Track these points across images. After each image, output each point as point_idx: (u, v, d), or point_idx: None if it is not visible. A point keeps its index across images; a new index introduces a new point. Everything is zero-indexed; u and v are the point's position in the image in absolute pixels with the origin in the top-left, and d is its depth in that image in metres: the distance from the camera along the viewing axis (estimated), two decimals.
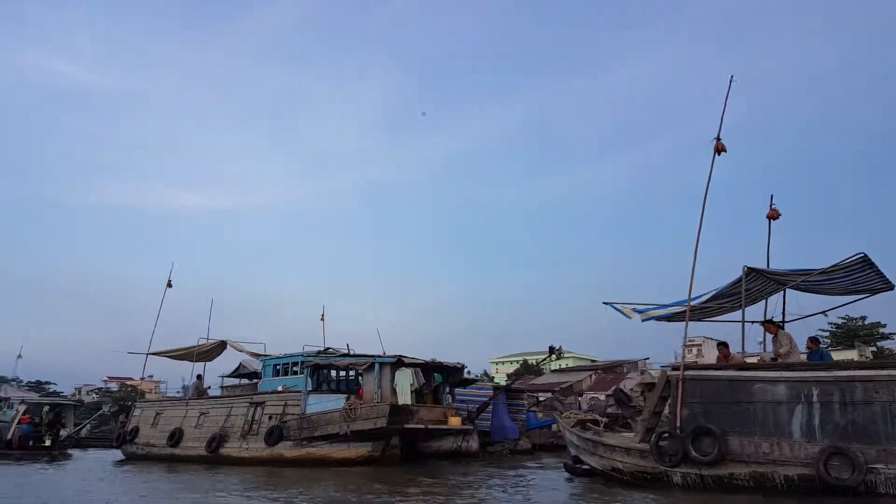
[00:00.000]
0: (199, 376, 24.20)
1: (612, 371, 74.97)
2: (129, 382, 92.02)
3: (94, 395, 78.21)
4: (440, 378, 18.54)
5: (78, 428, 29.99)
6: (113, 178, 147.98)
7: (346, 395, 17.31)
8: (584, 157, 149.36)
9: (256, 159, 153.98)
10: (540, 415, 24.10)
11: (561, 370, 66.57)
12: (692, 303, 11.34)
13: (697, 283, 11.14)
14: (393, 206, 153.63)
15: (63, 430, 28.24)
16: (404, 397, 15.92)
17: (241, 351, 21.92)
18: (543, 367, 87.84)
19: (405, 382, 15.99)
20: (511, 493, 11.48)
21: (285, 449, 17.27)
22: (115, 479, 15.51)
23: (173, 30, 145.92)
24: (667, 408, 10.76)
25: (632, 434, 11.66)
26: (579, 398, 47.44)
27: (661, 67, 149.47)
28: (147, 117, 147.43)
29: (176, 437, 20.13)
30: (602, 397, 58.32)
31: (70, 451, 27.86)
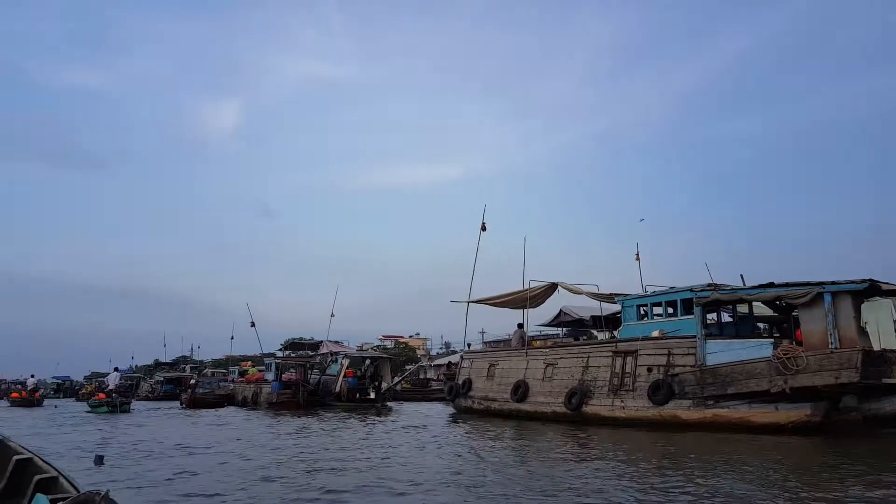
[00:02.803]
0: (520, 325, 21.90)
1: None
2: (401, 340, 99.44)
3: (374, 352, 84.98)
4: None
5: (396, 381, 30.38)
6: (374, 162, 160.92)
7: (770, 340, 12.96)
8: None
9: (495, 125, 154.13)
10: None
11: None
12: None
13: None
14: (634, 151, 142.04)
15: (382, 383, 28.70)
16: (884, 339, 11.00)
17: (577, 293, 18.80)
18: None
19: (883, 319, 11.04)
20: None
21: (681, 409, 13.57)
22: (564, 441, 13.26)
23: (406, 13, 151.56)
24: None
25: None
26: None
27: None
28: (398, 101, 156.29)
29: (521, 392, 17.82)
30: None
31: (389, 404, 28.16)
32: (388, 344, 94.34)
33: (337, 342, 37.56)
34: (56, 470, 3.37)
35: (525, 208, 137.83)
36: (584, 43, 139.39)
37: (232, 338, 43.50)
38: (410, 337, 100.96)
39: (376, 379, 28.59)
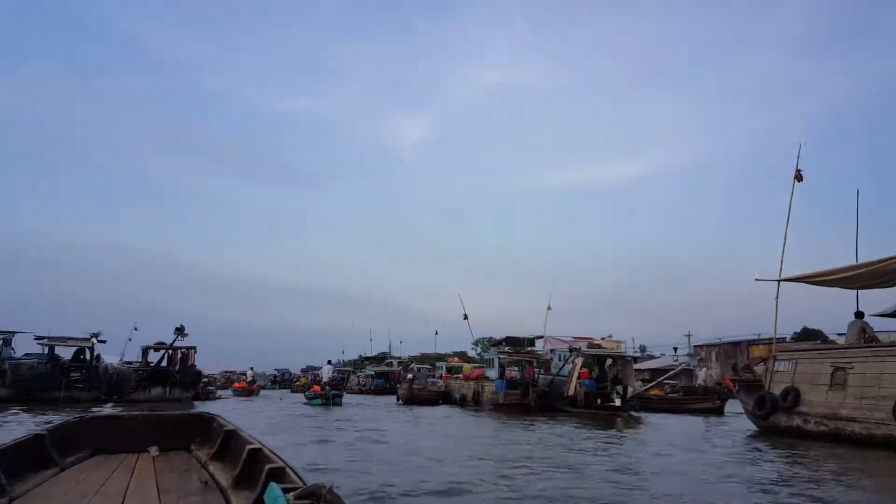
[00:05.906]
0: (858, 314, 15.52)
1: None
2: (594, 342, 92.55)
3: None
4: None
5: (647, 386, 24.97)
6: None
7: None
8: None
9: (686, 115, 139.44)
10: None
11: None
12: None
13: None
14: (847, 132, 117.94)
15: (628, 387, 23.49)
16: None
17: None
18: None
19: None
20: None
21: None
22: None
23: (587, 13, 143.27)
24: None
25: None
26: None
27: None
28: (585, 101, 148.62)
29: None
30: None
31: (636, 414, 22.78)
32: (582, 345, 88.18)
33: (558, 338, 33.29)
34: (282, 461, 3.34)
35: (728, 197, 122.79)
36: (781, 21, 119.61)
37: (436, 333, 41.43)
38: (602, 339, 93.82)
39: (619, 382, 23.50)
